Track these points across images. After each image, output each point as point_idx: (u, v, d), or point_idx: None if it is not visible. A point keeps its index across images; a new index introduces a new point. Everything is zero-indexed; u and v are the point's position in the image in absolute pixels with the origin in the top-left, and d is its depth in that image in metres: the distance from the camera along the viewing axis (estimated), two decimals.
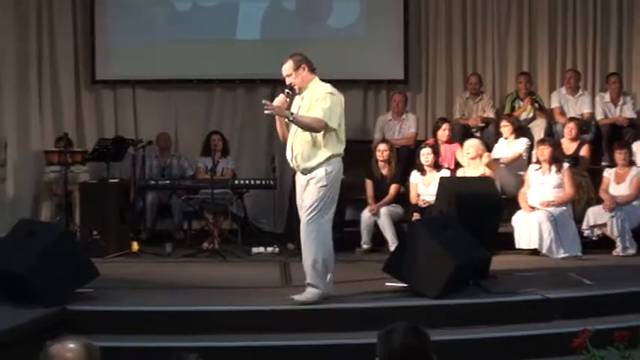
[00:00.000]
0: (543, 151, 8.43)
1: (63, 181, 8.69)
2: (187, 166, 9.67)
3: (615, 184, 8.53)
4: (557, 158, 8.44)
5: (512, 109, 9.88)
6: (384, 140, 9.15)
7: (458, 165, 8.99)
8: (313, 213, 5.99)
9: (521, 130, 9.39)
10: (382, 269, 6.53)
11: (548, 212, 8.17)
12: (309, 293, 6.01)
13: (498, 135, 9.43)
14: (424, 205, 8.47)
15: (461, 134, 9.49)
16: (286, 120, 6.08)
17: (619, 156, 8.60)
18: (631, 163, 8.62)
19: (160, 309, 5.96)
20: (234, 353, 5.51)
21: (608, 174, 8.63)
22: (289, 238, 8.44)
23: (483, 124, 9.86)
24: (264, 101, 6.07)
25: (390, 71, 10.34)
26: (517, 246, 8.21)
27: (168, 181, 9.22)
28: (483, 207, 7.26)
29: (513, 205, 8.47)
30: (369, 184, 8.78)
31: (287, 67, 6.09)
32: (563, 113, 9.82)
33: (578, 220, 8.42)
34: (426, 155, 8.63)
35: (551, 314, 6.06)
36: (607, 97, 9.88)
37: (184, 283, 6.99)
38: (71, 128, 9.89)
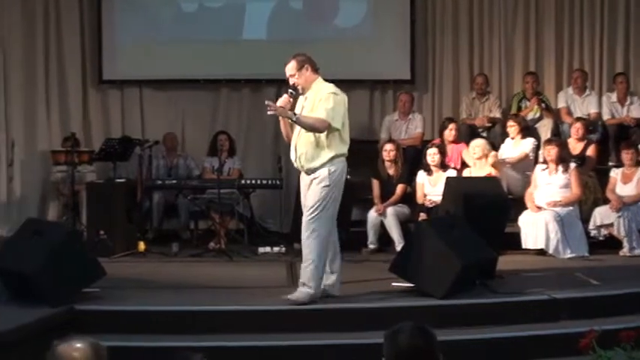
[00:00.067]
0: (550, 151, 8.42)
1: (70, 181, 8.71)
2: (194, 166, 9.68)
3: (622, 184, 8.52)
4: (563, 158, 8.43)
5: (519, 109, 9.87)
6: (390, 140, 9.15)
7: (464, 165, 8.98)
8: (315, 213, 6.00)
9: (527, 130, 9.38)
10: (388, 269, 6.53)
11: (554, 212, 8.16)
12: (301, 293, 6.01)
13: (505, 135, 9.42)
14: (431, 205, 8.46)
15: (467, 134, 9.48)
16: (289, 120, 6.09)
17: (626, 156, 8.59)
18: (638, 163, 8.59)
19: (166, 309, 5.97)
20: (239, 353, 5.51)
21: (615, 174, 8.61)
22: (296, 237, 8.37)
23: (490, 124, 9.85)
24: (267, 102, 6.07)
25: (397, 71, 10.34)
26: (524, 246, 8.20)
27: (174, 181, 9.24)
28: (490, 207, 7.24)
29: (520, 205, 8.46)
30: (375, 184, 8.78)
31: (290, 68, 6.10)
32: (570, 113, 9.80)
33: (585, 220, 8.41)
34: (432, 155, 8.63)
35: (558, 314, 6.06)
36: (614, 97, 9.86)
37: (191, 282, 7.00)
38: (78, 128, 9.91)
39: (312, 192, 6.04)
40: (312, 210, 6.01)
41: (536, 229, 8.15)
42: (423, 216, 8.34)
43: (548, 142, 8.67)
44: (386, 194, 8.68)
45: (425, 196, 8.61)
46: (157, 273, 7.41)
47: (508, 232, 7.85)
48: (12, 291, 6.00)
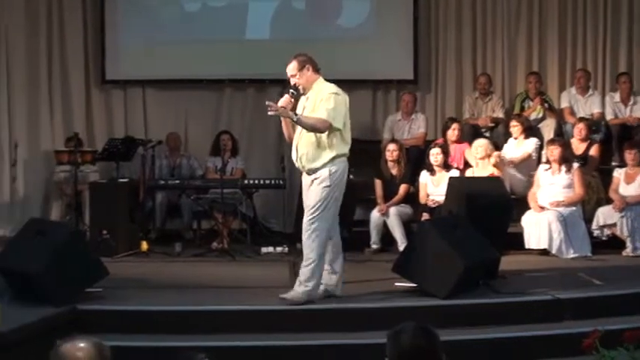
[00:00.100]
0: (553, 151, 8.41)
1: (73, 181, 8.73)
2: (197, 165, 9.69)
3: (625, 184, 8.51)
4: (567, 158, 8.42)
5: (522, 109, 9.86)
6: (393, 140, 9.14)
7: (467, 165, 8.98)
8: (316, 213, 6.00)
9: (530, 130, 9.37)
10: (391, 269, 6.53)
11: (557, 212, 8.15)
12: (296, 292, 6.00)
13: (508, 135, 9.41)
14: (433, 205, 8.46)
15: (470, 134, 9.47)
16: (291, 121, 6.09)
17: (629, 156, 8.58)
18: None
19: (169, 309, 5.98)
20: (242, 353, 5.51)
21: (618, 174, 8.60)
22: (298, 237, 8.31)
23: (493, 124, 9.84)
24: (267, 102, 6.06)
25: (400, 71, 10.34)
26: (527, 246, 8.20)
27: (177, 181, 9.25)
28: (493, 207, 7.24)
29: (523, 205, 8.45)
30: (378, 184, 8.78)
31: (291, 68, 6.10)
32: (573, 113, 9.79)
33: (588, 220, 8.40)
34: (435, 155, 8.62)
35: (561, 314, 6.05)
36: (617, 97, 9.84)
37: (193, 282, 7.00)
38: (81, 128, 9.93)
39: (313, 192, 6.04)
40: (313, 210, 6.01)
41: (539, 229, 8.15)
42: (425, 216, 8.33)
43: (551, 142, 8.67)
44: (389, 194, 8.67)
45: (428, 196, 8.61)
46: (159, 273, 7.42)
47: (511, 232, 7.85)
48: (15, 291, 6.01)
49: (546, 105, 9.82)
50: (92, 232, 8.33)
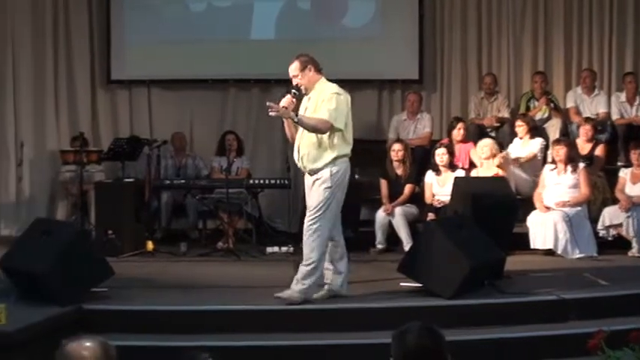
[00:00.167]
0: (559, 151, 8.40)
1: (78, 181, 8.74)
2: (202, 165, 9.70)
3: (631, 184, 8.49)
4: (572, 158, 8.41)
5: (528, 108, 9.85)
6: (398, 140, 9.14)
7: (472, 165, 8.97)
8: (317, 214, 6.00)
9: (536, 130, 9.36)
10: (397, 269, 6.52)
11: (563, 212, 8.14)
12: (293, 292, 6.00)
13: (513, 135, 9.40)
14: (439, 205, 8.45)
15: (476, 134, 9.46)
16: (292, 121, 6.09)
17: (635, 156, 8.56)
18: None
19: (174, 308, 5.98)
20: (247, 353, 5.52)
21: (624, 174, 8.59)
22: None
23: (498, 124, 9.84)
24: (268, 103, 6.06)
25: (405, 71, 10.33)
26: (532, 246, 8.19)
27: (183, 181, 9.25)
28: (498, 207, 7.23)
29: (528, 205, 8.44)
30: (383, 184, 8.77)
31: (293, 68, 6.11)
32: (578, 113, 9.77)
33: (594, 220, 8.39)
34: (440, 155, 8.62)
35: (567, 315, 6.04)
36: (623, 96, 9.82)
37: (199, 282, 7.00)
38: (87, 128, 9.94)
39: (314, 193, 6.04)
40: (314, 211, 6.01)
41: (544, 229, 8.14)
42: (431, 216, 8.33)
43: (557, 142, 8.65)
44: (394, 194, 8.67)
45: (433, 196, 8.61)
46: (165, 273, 7.43)
47: (516, 232, 7.84)
48: (21, 290, 6.02)
49: (552, 105, 9.81)
50: (98, 232, 8.35)
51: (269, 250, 8.45)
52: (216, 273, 7.44)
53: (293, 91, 6.05)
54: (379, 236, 8.55)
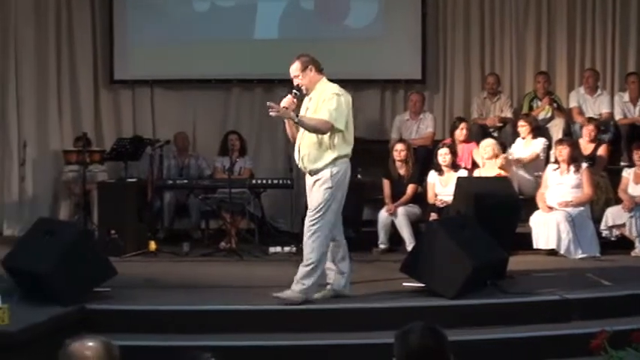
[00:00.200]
0: (562, 151, 8.39)
1: (81, 181, 8.76)
2: (205, 165, 9.71)
3: (634, 184, 8.48)
4: (575, 158, 8.41)
5: (530, 108, 9.84)
6: (401, 140, 9.14)
7: (475, 165, 8.97)
8: (318, 215, 5.99)
9: (538, 130, 9.35)
10: (399, 269, 6.52)
11: (566, 212, 8.13)
12: (293, 292, 6.00)
13: (516, 135, 9.39)
14: (442, 205, 8.45)
15: (478, 134, 9.46)
16: (292, 121, 6.09)
17: (637, 156, 8.55)
18: None
19: (177, 308, 5.99)
20: (249, 353, 5.52)
21: (627, 174, 8.58)
22: None
23: (501, 124, 9.83)
24: (269, 103, 6.05)
25: (408, 71, 10.33)
26: (535, 246, 8.19)
27: (185, 181, 9.26)
28: (501, 207, 7.23)
29: (531, 205, 8.44)
30: (386, 183, 8.77)
31: (294, 69, 6.11)
32: (581, 113, 9.76)
33: (597, 220, 8.39)
34: (443, 155, 8.61)
35: (570, 315, 6.04)
36: (626, 96, 9.81)
37: (201, 282, 7.00)
38: (90, 128, 9.96)
39: (314, 194, 6.04)
40: (314, 211, 6.01)
41: (547, 229, 8.14)
42: (433, 216, 8.33)
43: (560, 142, 8.65)
44: (397, 194, 8.67)
45: (436, 196, 8.61)
46: (167, 273, 7.43)
47: (519, 232, 7.83)
48: (24, 290, 6.02)
49: (555, 105, 9.80)
50: (100, 232, 8.36)
51: (272, 250, 8.45)
52: (219, 273, 7.44)
53: (294, 91, 6.05)
54: (382, 236, 8.55)
